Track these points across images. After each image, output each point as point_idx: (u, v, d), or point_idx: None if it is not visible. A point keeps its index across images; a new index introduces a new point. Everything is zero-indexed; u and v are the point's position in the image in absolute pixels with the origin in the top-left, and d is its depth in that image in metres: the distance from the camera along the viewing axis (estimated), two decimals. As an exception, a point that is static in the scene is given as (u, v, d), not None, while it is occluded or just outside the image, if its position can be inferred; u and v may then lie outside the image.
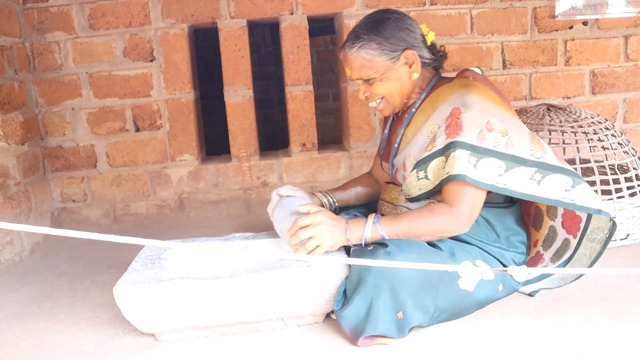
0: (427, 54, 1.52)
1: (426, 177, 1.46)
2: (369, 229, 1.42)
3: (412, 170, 1.50)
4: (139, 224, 2.63)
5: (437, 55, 1.56)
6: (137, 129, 2.58)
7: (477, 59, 2.65)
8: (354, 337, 1.33)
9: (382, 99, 1.55)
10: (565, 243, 1.59)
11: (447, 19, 2.60)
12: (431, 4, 2.58)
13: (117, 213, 2.65)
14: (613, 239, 1.89)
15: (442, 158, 1.42)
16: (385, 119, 1.75)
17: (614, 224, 1.49)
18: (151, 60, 2.53)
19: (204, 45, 4.12)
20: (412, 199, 1.54)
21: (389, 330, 1.33)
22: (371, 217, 1.44)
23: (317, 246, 1.40)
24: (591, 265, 1.53)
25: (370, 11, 1.66)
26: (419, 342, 1.35)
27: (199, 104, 2.75)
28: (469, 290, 1.40)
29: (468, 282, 1.39)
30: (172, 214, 2.66)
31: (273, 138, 4.31)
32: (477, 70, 1.58)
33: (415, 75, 1.51)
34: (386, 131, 1.71)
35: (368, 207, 1.80)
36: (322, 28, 3.73)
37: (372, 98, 1.56)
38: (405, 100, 1.56)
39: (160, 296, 1.34)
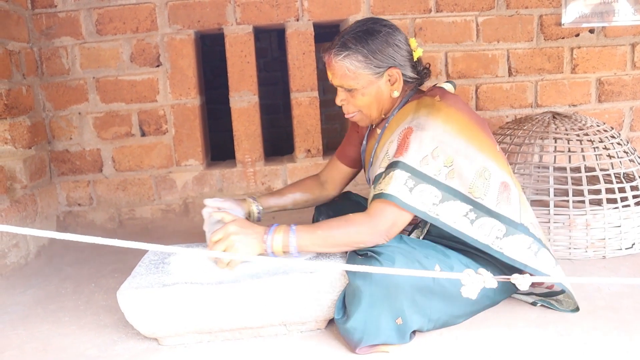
0: (410, 73, 1.50)
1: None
2: (284, 237, 1.39)
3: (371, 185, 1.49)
4: (144, 228, 2.64)
5: (421, 74, 1.54)
6: (143, 134, 2.60)
7: (482, 66, 2.65)
8: (355, 346, 1.33)
9: (358, 111, 1.53)
10: None
11: (452, 26, 2.60)
12: (437, 11, 2.58)
13: (123, 217, 2.66)
14: (618, 247, 1.89)
15: (384, 175, 1.40)
16: (362, 128, 1.72)
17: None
18: (157, 66, 2.54)
19: (210, 50, 4.14)
20: None
21: (390, 338, 1.33)
22: (286, 226, 1.41)
23: (231, 260, 1.42)
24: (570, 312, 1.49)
25: (374, 17, 1.65)
26: (420, 350, 1.34)
27: (205, 110, 2.76)
28: (471, 298, 1.40)
29: (471, 290, 1.38)
30: (177, 219, 2.67)
31: (278, 143, 4.32)
32: (448, 86, 1.55)
33: (396, 94, 1.49)
34: (364, 142, 1.68)
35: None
36: (327, 34, 3.74)
37: (348, 108, 1.53)
38: (383, 116, 1.55)
39: (163, 301, 1.34)
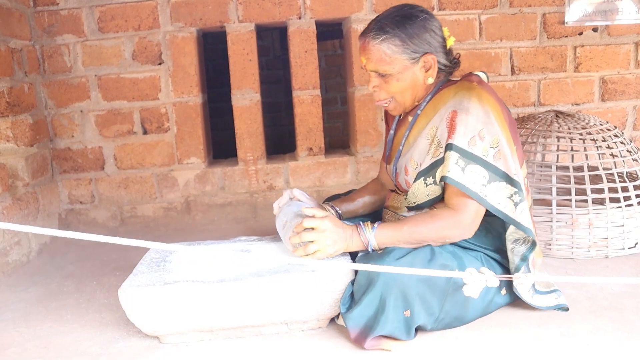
0: (444, 60, 1.50)
1: (435, 183, 1.46)
2: (370, 236, 1.41)
3: (419, 178, 1.49)
4: (145, 226, 2.64)
5: (452, 62, 1.54)
6: (145, 132, 2.60)
7: (485, 64, 2.64)
8: (361, 337, 1.33)
9: (392, 98, 1.52)
10: None
11: (455, 24, 2.60)
12: (440, 9, 2.57)
13: (124, 215, 2.66)
14: (621, 247, 1.88)
15: (444, 160, 1.43)
16: (390, 119, 1.73)
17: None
18: (159, 64, 2.54)
19: (212, 48, 4.14)
20: (415, 208, 1.53)
21: (397, 330, 1.32)
22: (369, 224, 1.44)
23: (317, 251, 1.40)
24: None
25: (409, 2, 1.62)
26: (424, 349, 1.34)
27: (207, 108, 2.76)
28: (473, 297, 1.40)
29: (473, 289, 1.39)
30: (178, 217, 2.67)
31: (280, 141, 4.32)
32: (482, 75, 1.56)
33: (430, 80, 1.49)
34: (392, 132, 1.67)
35: (374, 214, 1.79)
36: (330, 32, 3.74)
37: (380, 95, 1.52)
38: (416, 103, 1.55)
39: (165, 299, 1.34)
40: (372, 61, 1.47)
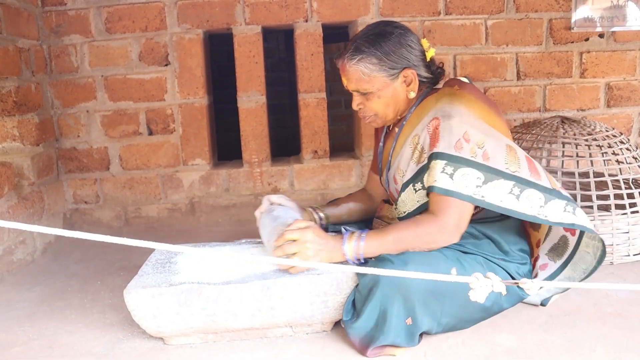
0: (424, 73, 1.52)
1: (424, 188, 1.46)
2: (354, 245, 1.40)
3: (406, 187, 1.50)
4: (150, 227, 2.65)
5: (435, 73, 1.55)
6: (151, 133, 2.60)
7: (491, 69, 2.65)
8: (363, 347, 1.33)
9: (375, 115, 1.54)
10: (564, 240, 1.58)
11: (461, 29, 2.60)
12: (446, 14, 2.58)
13: (129, 215, 2.67)
14: (626, 254, 1.88)
15: (428, 171, 1.43)
16: (379, 131, 1.74)
17: (601, 241, 1.50)
18: (166, 65, 2.55)
19: (218, 50, 4.15)
20: (405, 217, 1.53)
21: (399, 338, 1.32)
22: (355, 234, 1.42)
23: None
24: (598, 263, 1.52)
25: (384, 20, 1.65)
26: (427, 353, 1.33)
27: (212, 109, 2.76)
28: (479, 302, 1.39)
29: (479, 294, 1.38)
30: (182, 218, 2.67)
31: (284, 144, 4.32)
32: (464, 79, 1.57)
33: (412, 94, 1.51)
34: (380, 144, 1.69)
35: (363, 223, 1.78)
36: (335, 35, 3.74)
37: (365, 112, 1.55)
38: (399, 116, 1.57)
39: (170, 300, 1.35)
40: (352, 81, 1.50)
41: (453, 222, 1.38)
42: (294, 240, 1.38)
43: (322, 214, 1.72)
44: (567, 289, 1.57)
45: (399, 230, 1.41)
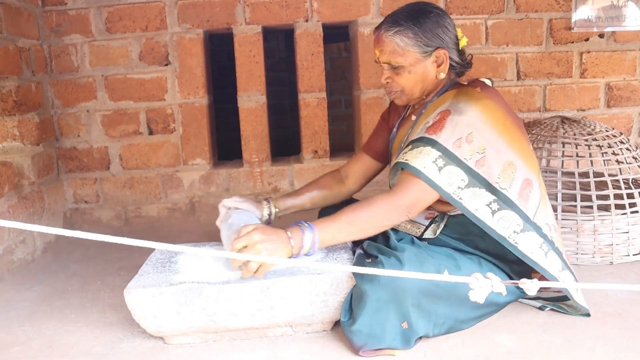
0: (456, 58, 1.52)
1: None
2: (308, 235, 1.36)
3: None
4: (150, 226, 2.65)
5: (464, 62, 1.56)
6: (151, 132, 2.61)
7: (491, 69, 2.65)
8: (359, 350, 1.33)
9: (401, 91, 1.53)
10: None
11: (462, 28, 2.55)
12: (446, 14, 2.57)
13: (129, 215, 2.67)
14: (626, 254, 1.88)
15: (410, 146, 1.42)
16: (393, 117, 1.74)
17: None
18: (166, 65, 2.55)
19: (218, 50, 4.15)
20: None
21: (395, 342, 1.32)
22: (302, 224, 1.38)
23: (260, 265, 1.32)
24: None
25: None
26: (426, 353, 1.34)
27: (212, 109, 2.77)
28: (479, 302, 1.39)
29: (479, 294, 1.38)
30: (183, 218, 2.67)
31: (284, 143, 4.32)
32: (487, 81, 1.57)
33: (442, 75, 1.51)
34: (394, 130, 1.69)
35: (327, 210, 1.73)
36: (336, 35, 3.75)
37: (392, 86, 1.54)
38: (424, 97, 1.56)
39: (170, 299, 1.35)
40: (385, 53, 1.49)
41: (408, 202, 1.38)
42: (246, 246, 1.33)
43: (273, 208, 1.68)
44: (565, 310, 1.54)
45: (352, 211, 1.39)
